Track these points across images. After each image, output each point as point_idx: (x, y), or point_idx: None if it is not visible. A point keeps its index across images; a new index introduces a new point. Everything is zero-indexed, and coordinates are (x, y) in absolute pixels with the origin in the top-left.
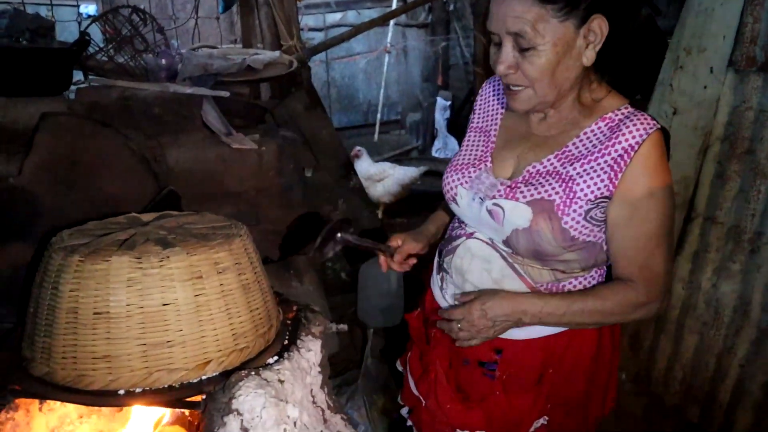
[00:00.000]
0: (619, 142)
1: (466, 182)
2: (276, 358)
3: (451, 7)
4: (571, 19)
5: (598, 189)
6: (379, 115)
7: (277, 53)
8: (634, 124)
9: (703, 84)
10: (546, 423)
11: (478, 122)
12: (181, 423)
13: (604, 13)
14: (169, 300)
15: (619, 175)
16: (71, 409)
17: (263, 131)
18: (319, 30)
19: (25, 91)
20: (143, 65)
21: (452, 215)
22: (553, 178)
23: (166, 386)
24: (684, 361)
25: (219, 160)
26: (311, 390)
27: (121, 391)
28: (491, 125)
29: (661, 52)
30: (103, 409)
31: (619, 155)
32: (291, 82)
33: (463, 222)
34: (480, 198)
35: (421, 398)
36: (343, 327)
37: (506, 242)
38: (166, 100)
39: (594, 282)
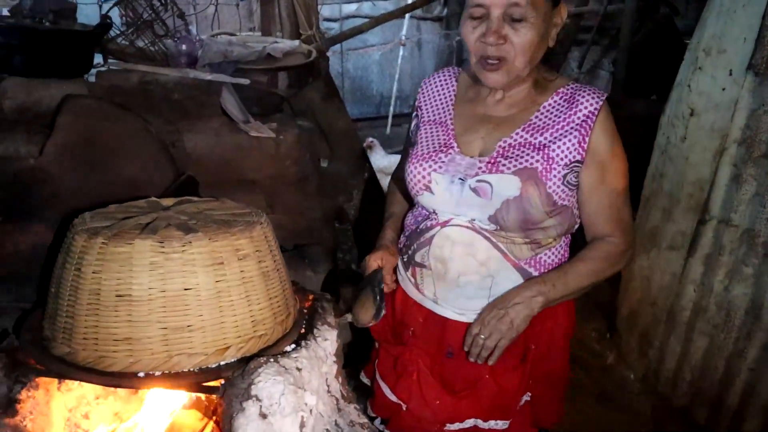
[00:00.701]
0: (580, 110)
1: (440, 167)
2: (293, 346)
3: None
4: (550, 1)
5: (570, 153)
6: (391, 108)
7: (296, 42)
8: (588, 94)
9: (722, 86)
10: (529, 399)
11: (428, 116)
12: (197, 407)
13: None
14: (191, 285)
15: (587, 139)
16: (88, 389)
17: (280, 120)
18: (335, 21)
19: (47, 72)
20: (163, 50)
21: (403, 215)
22: (528, 149)
23: (185, 370)
24: (693, 362)
25: (236, 148)
26: (326, 379)
27: (141, 374)
28: (445, 116)
29: (680, 53)
30: (119, 391)
31: (583, 121)
32: (309, 71)
33: (433, 212)
34: (460, 178)
35: (402, 403)
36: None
37: (492, 218)
38: (185, 86)
39: (563, 251)
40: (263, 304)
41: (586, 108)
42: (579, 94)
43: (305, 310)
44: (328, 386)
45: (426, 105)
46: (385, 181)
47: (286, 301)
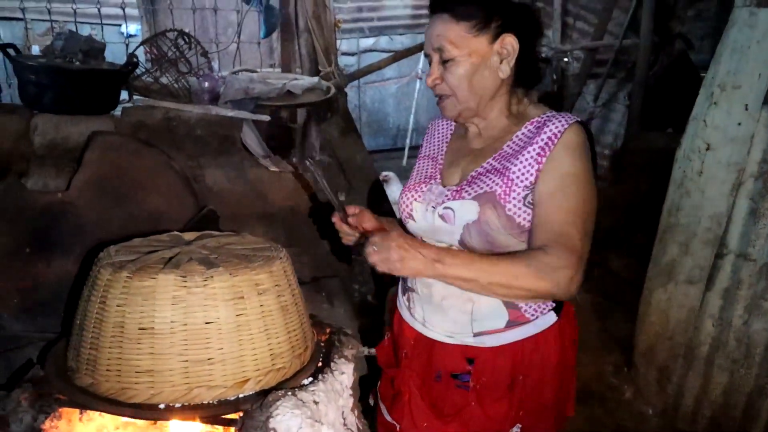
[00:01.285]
0: (545, 133)
1: (419, 196)
2: (311, 379)
3: None
4: (484, 35)
5: (531, 174)
6: (408, 140)
7: (315, 79)
8: (558, 119)
9: (738, 121)
10: (519, 431)
11: (426, 152)
12: None
13: (514, 32)
14: (212, 318)
15: (545, 159)
16: (108, 420)
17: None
18: (352, 54)
19: (76, 109)
20: (187, 87)
21: None
22: (493, 174)
23: (204, 402)
24: (713, 398)
25: (256, 182)
26: (343, 412)
27: (162, 405)
28: (438, 152)
29: (695, 87)
30: (139, 421)
31: (545, 143)
32: (327, 107)
33: (420, 239)
34: (432, 207)
35: (396, 423)
36: (375, 351)
37: (461, 242)
38: (207, 122)
39: None
40: (282, 338)
41: (551, 130)
42: (550, 120)
43: (322, 344)
44: (344, 419)
45: (426, 143)
46: (398, 215)
47: (304, 334)
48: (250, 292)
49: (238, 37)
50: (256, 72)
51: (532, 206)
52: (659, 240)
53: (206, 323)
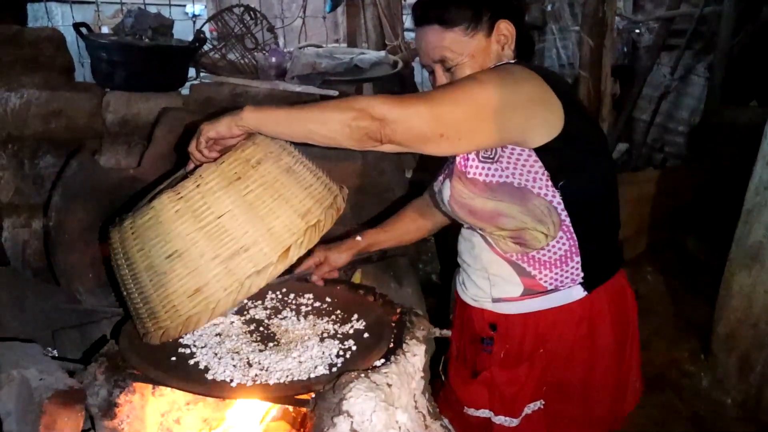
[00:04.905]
0: None
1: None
2: (383, 360)
3: (548, 8)
4: (480, 32)
5: None
6: None
7: (382, 53)
8: None
9: None
10: (543, 407)
11: None
12: (285, 420)
13: (507, 17)
14: (221, 211)
15: None
16: (179, 395)
17: None
18: (414, 30)
19: (146, 86)
20: (253, 63)
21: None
22: None
23: (270, 383)
24: None
25: (323, 158)
26: (414, 395)
27: (234, 384)
28: None
29: None
30: (209, 398)
31: None
32: (394, 81)
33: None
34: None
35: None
36: (447, 332)
37: (456, 218)
38: (274, 98)
39: (561, 252)
40: (301, 196)
41: None
42: None
43: (393, 324)
44: (415, 402)
45: None
46: None
47: (326, 186)
48: (244, 169)
49: (304, 12)
50: (322, 47)
51: (487, 160)
52: (744, 221)
53: (219, 217)
